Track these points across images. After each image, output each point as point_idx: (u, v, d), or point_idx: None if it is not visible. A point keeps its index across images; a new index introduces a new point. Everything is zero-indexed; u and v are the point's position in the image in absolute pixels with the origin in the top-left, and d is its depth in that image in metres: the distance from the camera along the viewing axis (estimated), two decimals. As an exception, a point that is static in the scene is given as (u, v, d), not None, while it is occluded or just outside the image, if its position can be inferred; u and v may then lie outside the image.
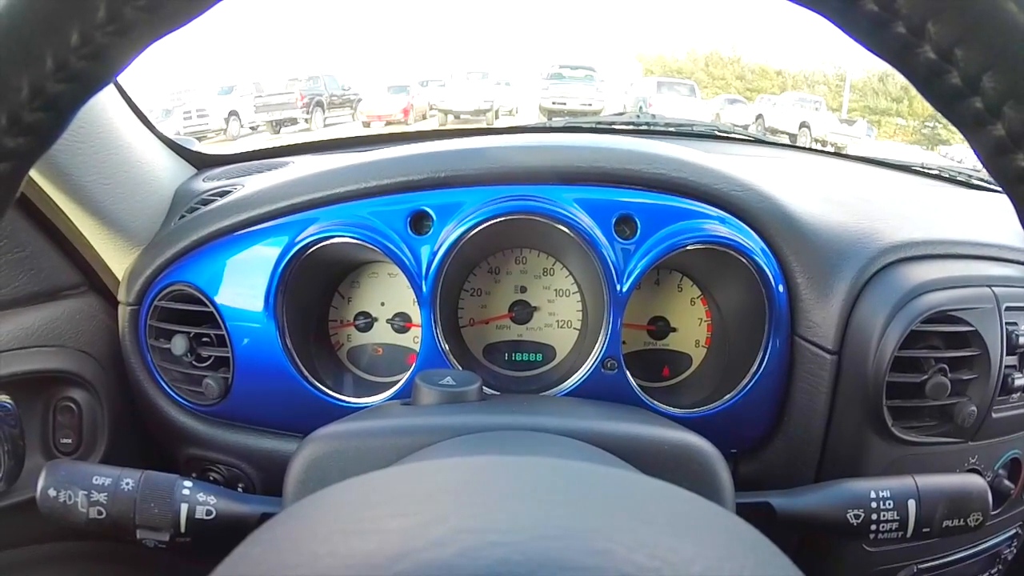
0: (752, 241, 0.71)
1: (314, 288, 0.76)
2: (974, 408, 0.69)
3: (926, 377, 0.68)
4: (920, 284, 0.69)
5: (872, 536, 0.54)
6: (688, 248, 0.70)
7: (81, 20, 0.26)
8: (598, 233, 0.68)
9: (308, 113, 14.15)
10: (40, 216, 0.72)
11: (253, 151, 1.06)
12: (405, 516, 0.24)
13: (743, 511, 0.54)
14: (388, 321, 0.79)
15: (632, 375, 0.72)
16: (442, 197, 0.71)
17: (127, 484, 0.50)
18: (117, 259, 0.78)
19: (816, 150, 1.35)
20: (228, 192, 0.82)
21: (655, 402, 0.72)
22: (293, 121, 14.20)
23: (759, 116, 17.32)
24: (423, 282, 0.69)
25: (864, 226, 0.75)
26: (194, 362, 0.75)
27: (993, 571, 0.88)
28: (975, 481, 0.56)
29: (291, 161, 0.95)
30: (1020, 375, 0.72)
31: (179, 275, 0.74)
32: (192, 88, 15.92)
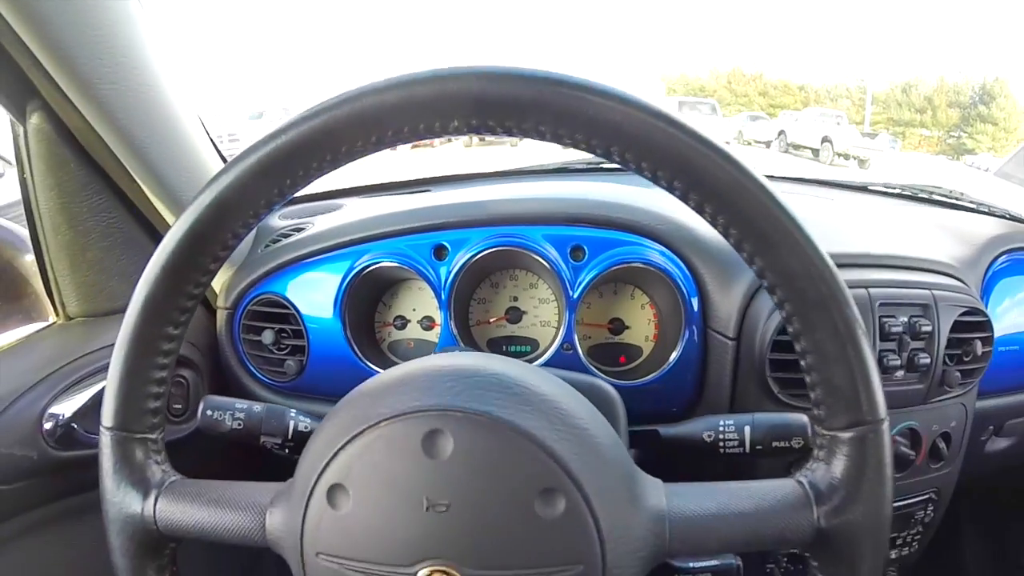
0: (670, 260, 0.94)
1: (365, 298, 1.02)
2: None
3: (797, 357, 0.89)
4: None
5: (721, 451, 0.70)
6: (624, 267, 0.93)
7: None
8: (557, 258, 0.94)
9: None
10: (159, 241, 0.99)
11: (313, 194, 1.30)
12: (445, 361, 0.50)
13: (640, 435, 0.74)
14: (418, 322, 1.04)
15: (596, 361, 0.97)
16: (455, 235, 0.97)
17: (256, 408, 0.69)
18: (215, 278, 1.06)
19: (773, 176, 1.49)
20: (302, 228, 1.08)
21: (602, 375, 0.94)
22: None
23: (781, 132, 17.25)
24: (442, 292, 0.95)
25: None
26: (276, 349, 1.01)
27: (913, 532, 1.06)
28: (797, 417, 0.69)
29: (344, 203, 1.21)
30: (895, 358, 0.91)
31: (267, 287, 1.02)
32: (222, 113, 16.32)
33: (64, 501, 0.87)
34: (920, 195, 1.42)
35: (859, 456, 0.46)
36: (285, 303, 1.00)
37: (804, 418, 0.69)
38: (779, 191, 0.44)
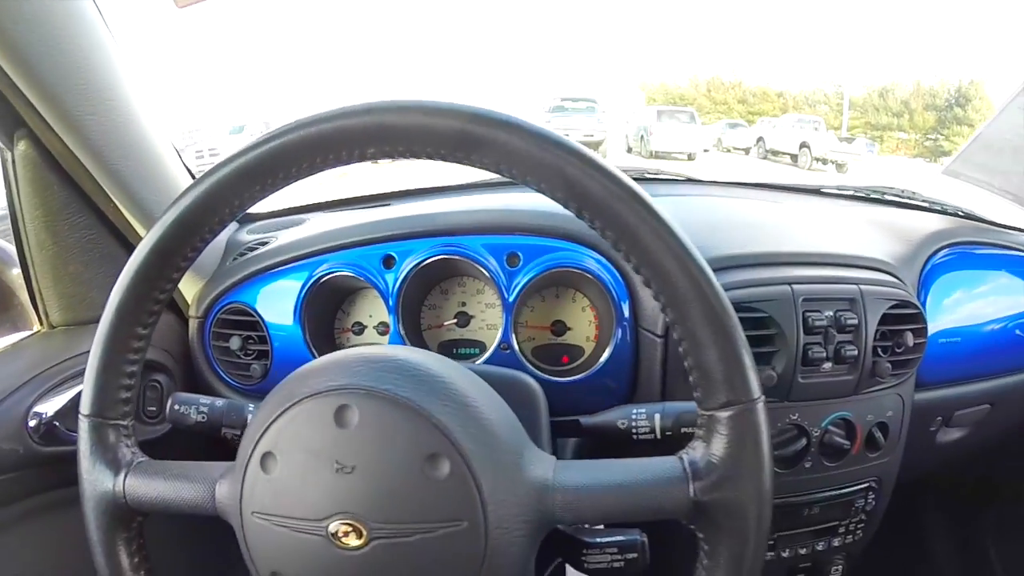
0: (601, 265, 0.98)
1: (325, 306, 1.08)
2: (772, 373, 0.93)
3: None
4: (724, 284, 0.90)
5: (635, 437, 0.76)
6: (557, 271, 0.98)
7: None
8: (495, 264, 1.00)
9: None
10: None
11: (279, 210, 1.36)
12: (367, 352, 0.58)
13: (563, 424, 0.81)
14: (374, 328, 1.09)
15: (540, 360, 1.02)
16: (403, 246, 1.03)
17: (219, 403, 0.76)
18: (186, 288, 1.10)
19: (722, 182, 1.55)
20: (267, 243, 1.14)
21: (538, 372, 0.98)
22: None
23: (760, 139, 17.27)
24: (390, 299, 1.01)
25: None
26: (243, 354, 1.06)
27: (855, 520, 1.10)
28: (688, 404, 0.73)
29: (308, 218, 1.27)
30: (821, 350, 0.95)
31: (234, 297, 1.08)
32: (203, 127, 16.15)
33: (48, 494, 0.94)
34: (872, 196, 1.47)
35: (734, 434, 0.51)
36: (251, 311, 1.07)
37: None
38: (652, 197, 0.51)
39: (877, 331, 0.99)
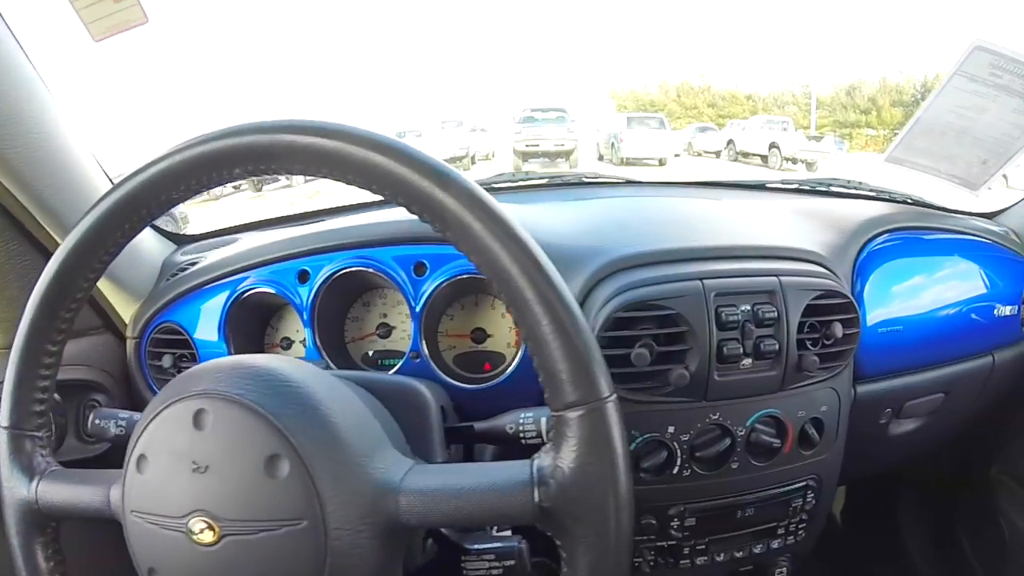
0: None
1: (252, 322, 1.07)
2: (684, 372, 0.89)
3: (630, 350, 0.88)
4: (624, 284, 0.92)
5: (523, 441, 0.74)
6: (464, 278, 0.97)
7: None
8: (402, 274, 1.00)
9: (291, 170, 14.17)
10: None
11: (213, 231, 1.37)
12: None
13: (459, 430, 0.80)
14: (300, 342, 1.09)
15: (462, 368, 1.02)
16: (317, 260, 1.03)
17: (136, 416, 0.76)
18: (124, 309, 1.12)
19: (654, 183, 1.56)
20: (196, 263, 1.15)
21: (447, 378, 0.97)
22: (275, 178, 14.08)
23: (730, 141, 17.40)
24: (304, 313, 1.01)
25: (597, 246, 0.99)
26: (176, 372, 1.06)
27: (795, 520, 1.06)
28: None
29: (240, 238, 1.27)
30: (737, 347, 0.91)
31: (166, 317, 1.09)
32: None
33: None
34: (818, 188, 1.47)
35: (582, 436, 0.51)
36: (181, 330, 1.07)
37: None
38: (497, 201, 0.51)
39: (802, 323, 0.95)
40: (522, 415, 0.76)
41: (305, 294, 1.02)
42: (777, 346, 0.92)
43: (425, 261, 1.01)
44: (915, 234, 1.21)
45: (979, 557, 1.46)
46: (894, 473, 1.61)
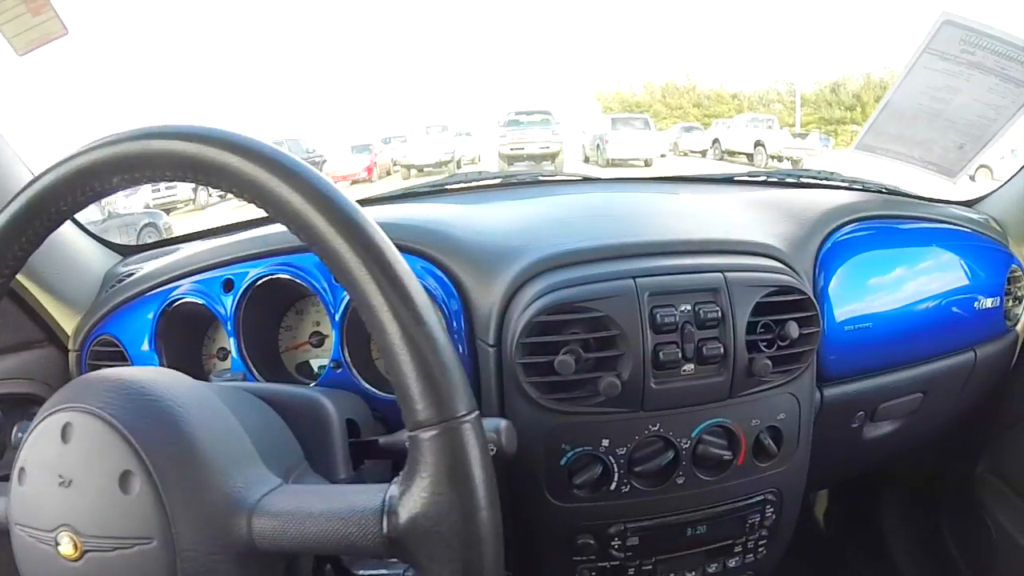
0: (426, 272, 0.93)
1: (186, 333, 1.03)
2: (615, 380, 0.83)
3: (554, 357, 0.82)
4: (548, 286, 0.86)
5: None
6: None
7: None
8: (323, 282, 0.95)
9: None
10: (15, 296, 1.05)
11: (158, 241, 1.35)
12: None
13: (365, 445, 0.74)
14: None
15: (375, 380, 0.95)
16: (240, 269, 0.99)
17: None
18: (66, 322, 1.10)
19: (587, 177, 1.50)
20: (132, 274, 1.11)
21: (372, 388, 0.92)
22: None
23: (715, 141, 17.40)
24: (228, 323, 0.97)
25: (525, 245, 0.93)
26: None
27: (754, 537, 1.00)
28: (491, 422, 0.66)
29: (181, 247, 1.22)
30: (675, 351, 0.84)
31: (103, 328, 1.06)
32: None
33: None
34: (787, 180, 1.41)
35: (435, 459, 0.46)
36: (117, 342, 1.04)
37: (500, 421, 0.68)
38: (352, 201, 0.49)
39: (752, 324, 0.87)
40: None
41: (229, 303, 0.98)
42: (722, 349, 0.85)
43: None
44: (887, 223, 1.13)
45: (965, 558, 1.42)
46: (876, 474, 1.57)
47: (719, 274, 0.88)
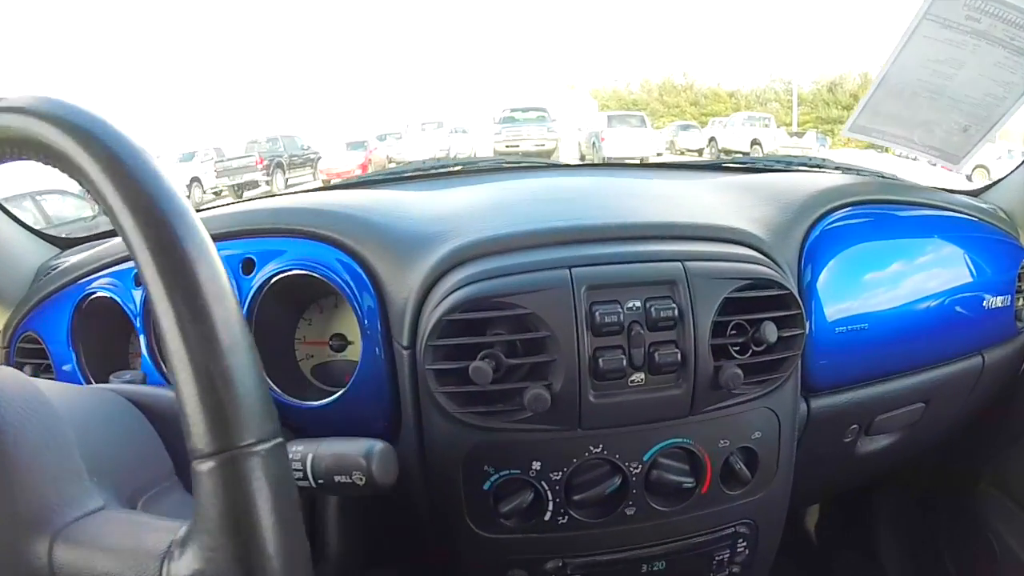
0: (342, 265, 0.81)
1: (104, 330, 0.95)
2: (543, 393, 0.70)
3: (470, 363, 0.70)
4: (464, 278, 0.73)
5: (299, 476, 0.61)
6: (291, 275, 0.81)
7: None
8: (230, 275, 0.84)
9: (269, 175, 14.20)
10: None
11: (96, 234, 1.28)
12: None
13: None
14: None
15: (323, 381, 0.87)
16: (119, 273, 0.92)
17: None
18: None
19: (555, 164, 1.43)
20: (57, 266, 1.05)
21: (284, 395, 0.82)
22: (255, 184, 14.19)
23: (712, 139, 17.53)
24: (138, 319, 0.89)
25: (451, 230, 0.81)
26: None
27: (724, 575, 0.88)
28: (365, 444, 0.61)
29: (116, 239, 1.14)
30: (619, 357, 0.71)
31: (28, 326, 1.00)
32: (156, 157, 16.06)
33: None
34: (775, 166, 1.29)
35: (215, 495, 0.39)
36: (39, 339, 0.99)
37: (375, 444, 0.60)
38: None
39: (720, 324, 0.74)
40: (292, 448, 0.61)
41: (140, 298, 0.89)
42: (679, 356, 0.72)
43: (253, 257, 0.84)
44: (884, 209, 0.99)
45: (958, 568, 1.33)
46: (870, 485, 1.48)
47: (677, 263, 0.74)
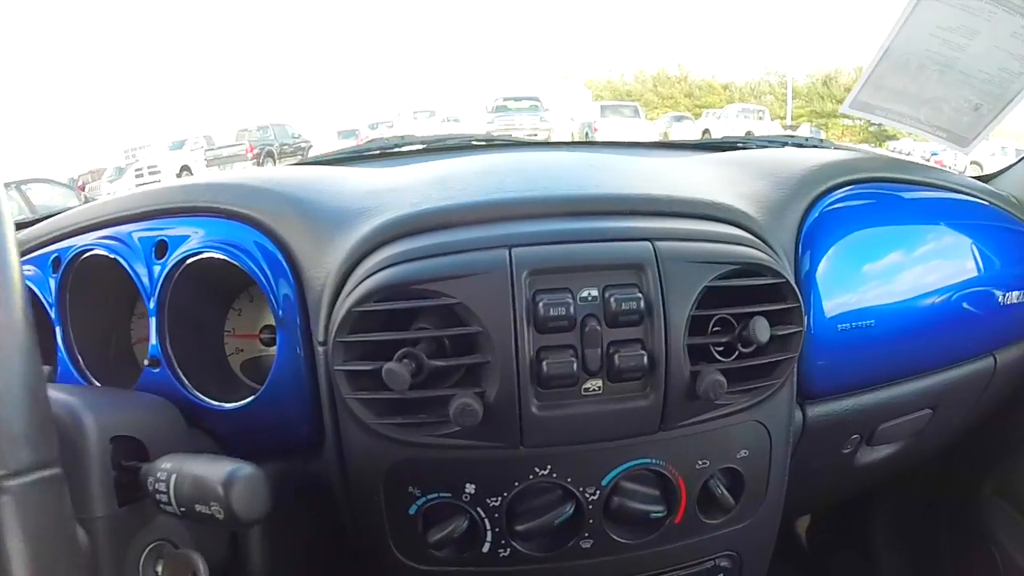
0: (258, 247, 0.70)
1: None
2: (471, 402, 0.58)
3: (384, 363, 0.58)
4: (382, 260, 0.62)
5: (160, 505, 0.52)
6: (201, 259, 0.71)
7: None
8: (140, 261, 0.76)
9: (259, 163, 14.21)
10: None
11: (29, 220, 1.16)
12: None
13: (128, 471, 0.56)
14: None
15: (254, 379, 0.77)
16: (65, 244, 0.81)
17: None
18: None
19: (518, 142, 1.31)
20: None
21: (199, 395, 0.71)
22: None
23: (706, 131, 17.57)
24: (53, 308, 0.79)
25: (377, 207, 0.70)
26: None
27: None
28: (219, 467, 0.50)
29: None
30: (568, 359, 0.59)
31: None
32: (145, 145, 16.05)
33: None
34: (770, 146, 1.17)
35: None
36: None
37: (239, 469, 0.49)
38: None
39: (698, 319, 0.62)
40: (161, 466, 0.52)
41: (54, 287, 0.80)
42: (646, 358, 0.60)
43: (166, 239, 0.73)
44: (891, 190, 0.87)
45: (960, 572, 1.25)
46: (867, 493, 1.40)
47: (644, 243, 0.62)
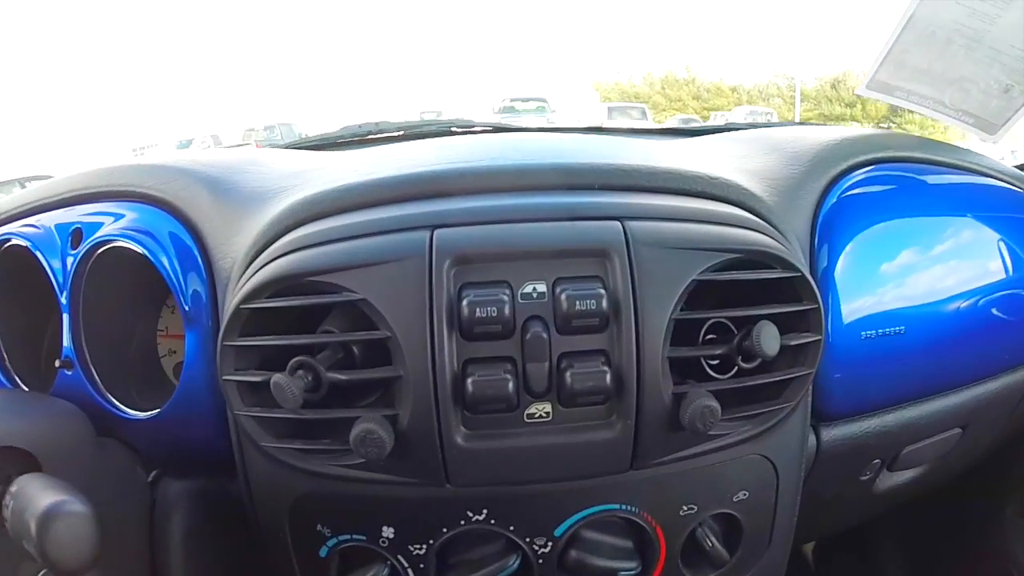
0: (172, 234, 0.61)
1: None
2: (372, 428, 0.46)
3: (273, 374, 0.48)
4: (282, 246, 0.52)
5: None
6: (111, 248, 0.63)
7: None
8: (55, 251, 0.68)
9: (265, 164, 14.24)
10: None
11: None
12: None
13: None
14: None
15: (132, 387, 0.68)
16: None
17: None
18: None
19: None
20: None
21: (115, 403, 0.62)
22: None
23: (714, 133, 17.71)
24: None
25: (292, 185, 0.61)
26: None
27: None
28: (43, 500, 0.42)
29: None
30: (504, 376, 0.46)
31: None
32: (153, 144, 16.12)
33: None
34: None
35: None
36: None
37: (62, 506, 0.41)
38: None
39: (682, 324, 0.49)
40: (12, 487, 0.44)
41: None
42: (609, 376, 0.46)
43: (81, 226, 0.63)
44: (921, 171, 0.73)
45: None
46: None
47: (612, 222, 0.49)
